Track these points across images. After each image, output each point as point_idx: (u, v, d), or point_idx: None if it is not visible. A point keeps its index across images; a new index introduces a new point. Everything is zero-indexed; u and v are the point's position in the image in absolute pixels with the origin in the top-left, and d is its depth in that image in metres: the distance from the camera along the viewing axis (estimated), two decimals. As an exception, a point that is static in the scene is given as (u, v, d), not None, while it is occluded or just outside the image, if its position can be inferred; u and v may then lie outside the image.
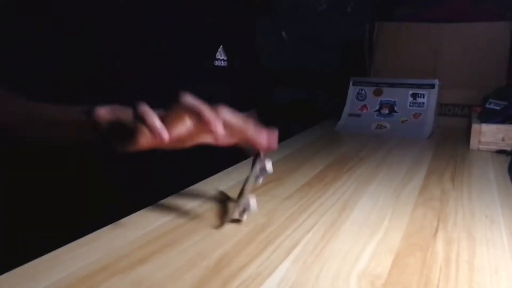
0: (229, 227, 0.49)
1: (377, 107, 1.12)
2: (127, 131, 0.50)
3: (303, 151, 0.86)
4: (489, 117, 0.91)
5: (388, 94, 1.12)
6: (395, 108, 1.10)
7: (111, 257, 0.42)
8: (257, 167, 0.52)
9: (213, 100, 0.60)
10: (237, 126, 0.49)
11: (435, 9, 1.29)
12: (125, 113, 0.51)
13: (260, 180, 0.54)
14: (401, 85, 1.11)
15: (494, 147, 0.86)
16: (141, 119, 0.46)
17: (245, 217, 0.50)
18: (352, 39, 1.43)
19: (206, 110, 0.45)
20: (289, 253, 0.43)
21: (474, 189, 0.63)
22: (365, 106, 1.14)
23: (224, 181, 0.65)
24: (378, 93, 1.13)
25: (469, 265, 0.41)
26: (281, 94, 1.63)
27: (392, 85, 1.12)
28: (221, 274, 0.39)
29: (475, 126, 0.88)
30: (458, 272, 0.39)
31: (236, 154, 0.78)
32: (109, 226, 0.49)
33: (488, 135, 0.87)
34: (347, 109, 1.15)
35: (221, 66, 0.79)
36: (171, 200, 0.57)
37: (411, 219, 0.51)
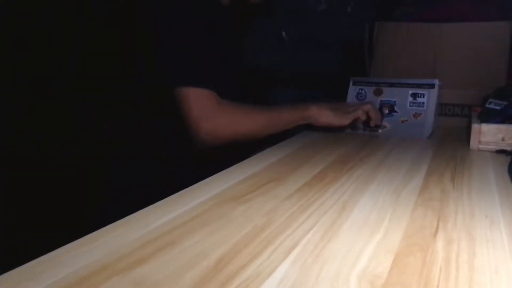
0: (229, 227, 0.49)
1: (377, 107, 1.12)
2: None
3: (303, 151, 0.86)
4: (489, 117, 0.91)
5: (388, 94, 1.12)
6: (395, 108, 1.10)
7: (111, 257, 0.42)
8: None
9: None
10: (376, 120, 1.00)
11: (435, 9, 1.29)
12: (331, 106, 0.97)
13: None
14: (401, 85, 1.11)
15: (494, 147, 0.86)
16: (359, 115, 0.98)
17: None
18: (352, 39, 1.43)
19: (373, 116, 0.99)
20: (289, 253, 0.43)
21: (474, 189, 0.63)
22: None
23: (224, 181, 0.65)
24: (378, 93, 1.13)
25: (469, 265, 0.41)
26: (281, 94, 1.63)
27: (392, 85, 1.12)
28: (221, 274, 0.39)
29: (475, 126, 0.88)
30: (458, 272, 0.39)
31: (236, 154, 0.79)
32: (109, 226, 0.49)
33: (488, 135, 0.87)
34: (347, 109, 1.15)
35: None
36: (171, 200, 0.57)
37: (411, 219, 0.52)
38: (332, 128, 0.98)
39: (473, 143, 0.88)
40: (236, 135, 0.85)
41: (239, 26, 1.01)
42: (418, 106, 1.08)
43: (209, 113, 0.82)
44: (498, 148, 0.85)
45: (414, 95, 1.09)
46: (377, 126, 1.03)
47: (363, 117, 0.98)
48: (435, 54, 1.21)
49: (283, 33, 1.67)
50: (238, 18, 0.99)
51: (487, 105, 0.96)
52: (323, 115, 0.94)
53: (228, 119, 0.84)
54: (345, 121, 0.96)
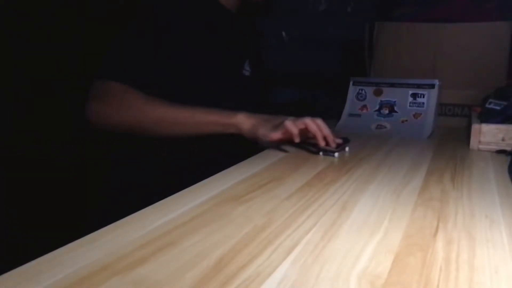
0: (229, 227, 0.49)
1: (377, 107, 1.12)
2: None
3: (303, 151, 0.86)
4: (489, 117, 0.91)
5: (388, 94, 1.12)
6: (395, 108, 1.10)
7: (111, 257, 0.42)
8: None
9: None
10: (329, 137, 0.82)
11: (435, 9, 1.29)
12: (263, 117, 0.82)
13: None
14: (401, 85, 1.11)
15: (494, 147, 0.86)
16: (288, 128, 0.78)
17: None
18: (352, 39, 1.43)
19: (315, 130, 0.81)
20: (289, 253, 0.43)
21: (474, 189, 0.63)
22: (365, 106, 1.14)
23: (223, 181, 0.65)
24: (378, 93, 1.13)
25: (469, 265, 0.41)
26: (281, 94, 1.63)
27: (392, 85, 1.12)
28: (221, 274, 0.39)
29: (475, 126, 0.88)
30: (458, 272, 0.39)
31: (236, 155, 0.79)
32: (109, 226, 0.49)
33: (488, 135, 0.87)
34: (347, 109, 1.15)
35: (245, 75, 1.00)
36: (171, 200, 0.57)
37: (411, 219, 0.51)
38: (262, 142, 0.82)
39: (473, 143, 0.88)
40: (127, 122, 0.79)
41: (240, 25, 1.00)
42: (418, 106, 1.08)
43: (103, 95, 0.78)
44: (498, 148, 0.85)
45: (414, 95, 1.09)
46: (338, 146, 0.83)
47: (294, 131, 0.78)
48: (435, 54, 1.21)
49: (283, 33, 1.67)
50: (238, 18, 0.98)
51: (487, 105, 0.96)
52: (248, 124, 0.81)
53: (119, 103, 0.78)
54: (271, 135, 0.79)
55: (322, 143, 0.81)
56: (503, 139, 0.86)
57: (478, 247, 0.44)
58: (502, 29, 1.15)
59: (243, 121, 0.81)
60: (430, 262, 0.41)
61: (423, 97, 1.08)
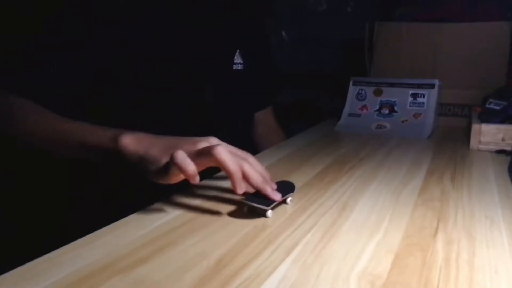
0: (229, 227, 0.49)
1: (377, 107, 1.12)
2: (154, 166, 0.52)
3: (303, 151, 0.86)
4: (489, 117, 0.91)
5: (388, 94, 1.12)
6: (395, 108, 1.10)
7: (111, 257, 0.42)
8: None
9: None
10: (255, 181, 0.52)
11: (435, 9, 1.29)
12: (155, 147, 0.53)
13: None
14: (401, 85, 1.11)
15: (494, 147, 0.86)
16: (177, 164, 0.48)
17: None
18: (352, 39, 1.43)
19: (233, 170, 0.49)
20: (289, 253, 0.43)
21: (474, 189, 0.63)
22: (365, 106, 1.14)
23: (224, 181, 0.65)
24: (378, 93, 1.13)
25: (469, 265, 0.41)
26: (281, 94, 1.63)
27: (392, 85, 1.12)
28: (221, 274, 0.39)
29: (475, 126, 0.88)
30: (458, 272, 0.39)
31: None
32: (109, 226, 0.49)
33: (488, 135, 0.87)
34: (347, 109, 1.15)
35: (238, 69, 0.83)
36: (171, 200, 0.57)
37: (411, 219, 0.51)
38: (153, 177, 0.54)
39: (473, 143, 0.88)
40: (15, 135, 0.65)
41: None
42: (418, 106, 1.08)
43: None
44: (498, 148, 0.85)
45: (414, 95, 1.09)
46: (274, 201, 0.52)
47: (232, 166, 0.50)
48: (435, 54, 1.21)
49: (283, 33, 1.67)
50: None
51: (487, 105, 0.96)
52: (134, 147, 0.54)
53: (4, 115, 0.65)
54: (185, 166, 0.48)
55: (239, 191, 0.51)
56: (503, 139, 0.86)
57: (478, 247, 0.44)
58: (502, 29, 1.15)
59: (131, 143, 0.54)
60: (430, 262, 0.41)
61: (423, 97, 1.08)
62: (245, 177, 0.51)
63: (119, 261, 0.41)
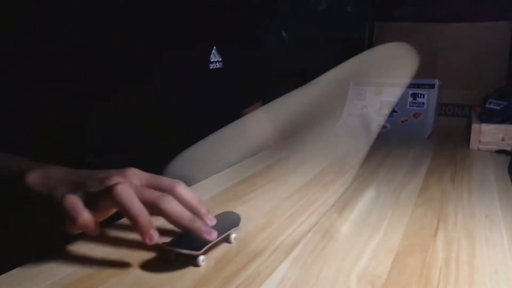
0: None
1: (377, 107, 1.12)
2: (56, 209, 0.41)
3: (303, 151, 0.86)
4: (489, 117, 0.91)
5: (388, 94, 1.12)
6: (395, 108, 1.10)
7: (111, 257, 0.42)
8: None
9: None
10: (179, 220, 0.40)
11: (435, 9, 1.29)
12: (60, 188, 0.42)
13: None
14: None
15: (494, 147, 0.86)
16: (66, 213, 0.38)
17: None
18: (352, 39, 1.43)
19: (135, 213, 0.38)
20: (289, 253, 0.43)
21: (474, 189, 0.63)
22: (365, 106, 1.14)
23: (224, 181, 0.65)
24: (378, 93, 1.13)
25: (469, 265, 0.41)
26: (281, 94, 1.63)
27: (392, 85, 1.12)
28: (221, 274, 0.39)
29: (475, 126, 0.88)
30: (458, 272, 0.39)
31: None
32: (109, 226, 0.49)
33: (488, 135, 0.87)
34: (347, 109, 1.15)
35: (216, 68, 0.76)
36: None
37: (411, 219, 0.51)
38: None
39: (473, 143, 0.88)
40: None
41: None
42: (418, 106, 1.08)
43: None
44: (498, 148, 0.85)
45: (414, 95, 1.09)
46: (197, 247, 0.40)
47: (136, 209, 0.39)
48: (435, 54, 1.21)
49: (283, 33, 1.67)
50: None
51: (487, 105, 0.96)
52: (39, 186, 0.45)
53: None
54: (80, 214, 0.39)
55: (148, 240, 0.39)
56: (503, 139, 0.86)
57: (478, 247, 0.44)
58: (502, 29, 1.15)
59: (38, 179, 0.45)
60: (430, 262, 0.41)
61: (423, 97, 1.08)
62: (165, 216, 0.40)
63: (119, 260, 0.41)
